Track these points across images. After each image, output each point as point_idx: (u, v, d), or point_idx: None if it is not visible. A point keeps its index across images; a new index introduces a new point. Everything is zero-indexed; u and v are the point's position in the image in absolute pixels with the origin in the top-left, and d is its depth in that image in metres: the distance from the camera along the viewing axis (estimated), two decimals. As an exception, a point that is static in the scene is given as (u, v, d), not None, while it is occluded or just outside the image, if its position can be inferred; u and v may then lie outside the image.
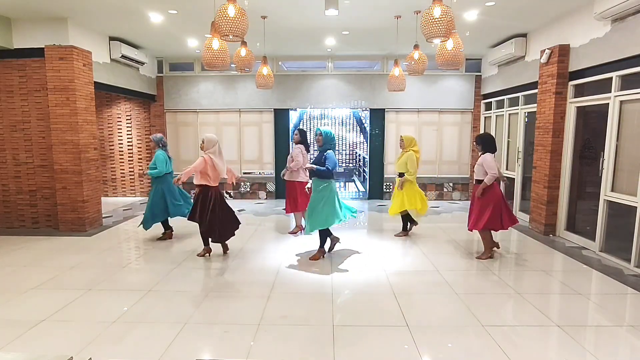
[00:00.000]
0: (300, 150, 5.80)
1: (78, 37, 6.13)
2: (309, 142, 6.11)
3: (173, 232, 5.94)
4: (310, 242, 5.46)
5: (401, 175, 5.71)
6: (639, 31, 4.51)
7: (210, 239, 4.95)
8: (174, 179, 5.04)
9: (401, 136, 5.83)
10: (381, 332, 3.16)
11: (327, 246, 5.06)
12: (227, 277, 4.37)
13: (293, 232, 6.24)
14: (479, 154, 4.88)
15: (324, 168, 4.66)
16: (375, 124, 9.09)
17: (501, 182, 5.04)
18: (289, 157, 6.00)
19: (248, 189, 9.34)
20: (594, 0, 4.94)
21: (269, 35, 6.51)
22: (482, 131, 8.87)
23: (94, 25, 6.37)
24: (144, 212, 5.77)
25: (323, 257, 4.97)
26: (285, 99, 9.00)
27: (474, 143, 4.94)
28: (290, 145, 9.42)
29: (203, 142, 4.85)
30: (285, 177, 5.95)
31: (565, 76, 5.80)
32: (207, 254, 5.01)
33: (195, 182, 4.84)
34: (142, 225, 5.63)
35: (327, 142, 4.73)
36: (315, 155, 5.05)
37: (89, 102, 6.34)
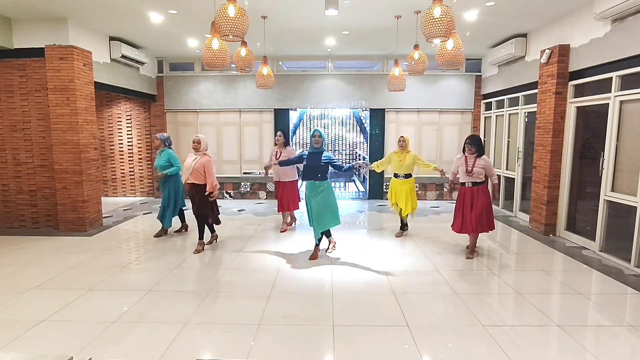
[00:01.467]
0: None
1: (78, 37, 6.13)
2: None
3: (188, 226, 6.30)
4: (309, 241, 5.45)
5: (408, 176, 5.78)
6: (639, 31, 4.51)
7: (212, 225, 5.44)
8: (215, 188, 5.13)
9: (403, 136, 5.87)
10: (381, 332, 3.16)
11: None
12: (227, 277, 4.37)
13: (283, 230, 6.44)
14: (470, 155, 4.83)
15: (347, 166, 4.90)
16: (375, 124, 9.09)
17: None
18: (279, 157, 6.02)
19: (248, 189, 9.34)
20: (594, 0, 4.94)
21: (269, 35, 6.51)
22: (482, 131, 8.88)
23: (94, 25, 6.37)
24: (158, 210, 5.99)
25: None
26: (285, 99, 9.00)
27: (469, 145, 4.81)
28: (291, 145, 9.39)
29: (200, 142, 5.12)
30: (278, 179, 6.20)
31: (565, 76, 5.80)
32: (202, 248, 5.29)
33: (194, 180, 5.05)
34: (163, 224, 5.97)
35: (323, 143, 4.89)
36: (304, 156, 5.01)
37: (89, 102, 6.34)
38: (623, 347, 3.05)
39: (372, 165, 5.93)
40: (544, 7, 5.47)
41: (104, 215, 6.94)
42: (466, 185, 4.88)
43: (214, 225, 5.47)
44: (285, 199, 6.21)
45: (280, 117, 9.11)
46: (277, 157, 6.08)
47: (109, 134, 9.30)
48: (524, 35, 6.89)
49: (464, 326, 3.25)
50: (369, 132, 9.21)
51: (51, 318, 3.36)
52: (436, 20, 3.54)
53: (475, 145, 4.81)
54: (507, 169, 7.80)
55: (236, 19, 3.55)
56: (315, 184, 4.79)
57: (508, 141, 7.76)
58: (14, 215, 6.39)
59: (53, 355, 1.48)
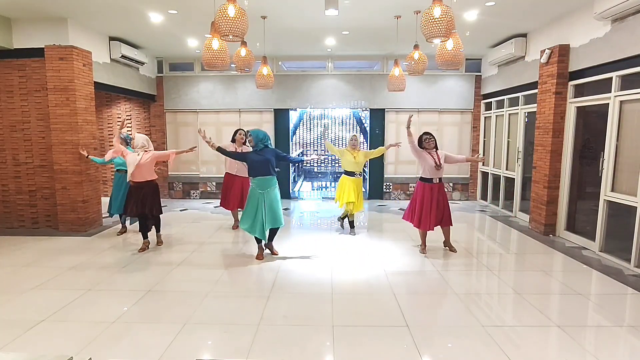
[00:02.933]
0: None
1: (78, 37, 6.13)
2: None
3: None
4: (309, 241, 5.47)
5: (360, 174, 5.90)
6: (639, 31, 4.51)
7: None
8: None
9: (356, 135, 6.00)
10: (381, 332, 3.16)
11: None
12: (227, 277, 4.37)
13: (235, 227, 6.47)
14: (430, 148, 4.91)
15: (297, 158, 5.35)
16: (375, 124, 9.09)
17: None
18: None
19: (248, 189, 9.33)
20: (594, 0, 4.94)
21: (269, 35, 6.51)
22: (482, 131, 8.89)
23: (94, 25, 6.37)
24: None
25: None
26: (285, 99, 9.00)
27: (429, 139, 4.90)
28: (291, 145, 9.43)
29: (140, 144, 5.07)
30: (234, 172, 6.15)
31: (565, 76, 5.80)
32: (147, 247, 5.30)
33: (141, 178, 5.00)
34: (110, 213, 6.10)
35: (261, 142, 4.77)
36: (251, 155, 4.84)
37: (89, 102, 6.34)
38: (623, 347, 3.05)
39: (327, 141, 6.02)
40: (544, 7, 5.47)
41: (103, 216, 6.93)
42: (433, 182, 4.90)
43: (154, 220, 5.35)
44: (241, 196, 6.11)
45: (280, 117, 9.11)
46: None
47: (109, 134, 9.30)
48: (524, 35, 6.89)
49: (464, 326, 3.25)
50: (369, 132, 9.21)
51: (51, 318, 3.36)
52: (436, 20, 3.54)
53: (434, 138, 4.95)
54: (507, 169, 7.80)
55: (236, 19, 3.55)
56: (267, 179, 4.72)
57: (508, 141, 7.76)
58: (14, 216, 6.39)
59: (53, 355, 1.48)
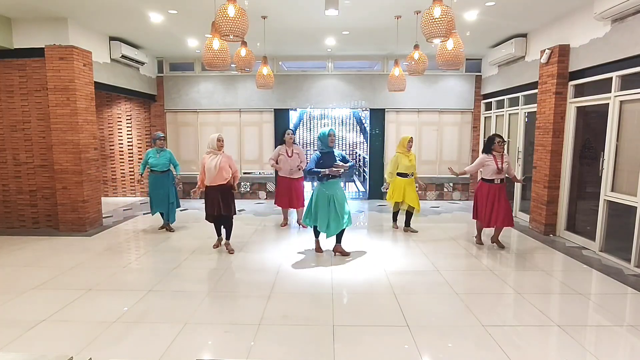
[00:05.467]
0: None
1: (78, 37, 6.13)
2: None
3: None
4: (309, 241, 5.46)
5: (412, 175, 6.07)
6: (639, 31, 4.51)
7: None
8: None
9: (412, 137, 6.10)
10: (381, 332, 3.16)
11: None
12: (228, 277, 4.37)
13: (304, 226, 6.20)
14: (499, 152, 5.13)
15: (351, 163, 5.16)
16: (375, 124, 9.09)
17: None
18: (291, 156, 6.18)
19: (248, 189, 9.34)
20: (594, 0, 4.94)
21: (269, 35, 6.51)
22: (482, 131, 8.89)
23: (94, 25, 6.37)
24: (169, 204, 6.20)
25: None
26: (285, 99, 9.00)
27: (502, 142, 5.14)
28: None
29: (224, 141, 5.11)
30: (290, 175, 6.23)
31: (565, 76, 5.80)
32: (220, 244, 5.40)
33: (220, 181, 5.02)
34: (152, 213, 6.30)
35: (323, 145, 4.97)
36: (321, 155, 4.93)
37: (89, 102, 6.34)
38: (623, 347, 3.05)
39: (386, 182, 6.24)
40: (544, 7, 5.47)
41: (104, 216, 6.94)
42: (495, 182, 5.14)
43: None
44: (293, 196, 6.29)
45: (280, 117, 9.11)
46: (290, 155, 6.18)
47: (109, 134, 9.30)
48: (524, 35, 6.89)
49: (464, 326, 3.25)
50: (369, 132, 9.21)
51: (51, 318, 3.36)
52: (436, 20, 3.54)
53: (505, 142, 5.16)
54: (507, 169, 7.80)
55: (236, 19, 3.55)
56: (336, 181, 4.92)
57: (508, 141, 7.76)
58: (14, 216, 6.39)
59: (53, 355, 1.48)
